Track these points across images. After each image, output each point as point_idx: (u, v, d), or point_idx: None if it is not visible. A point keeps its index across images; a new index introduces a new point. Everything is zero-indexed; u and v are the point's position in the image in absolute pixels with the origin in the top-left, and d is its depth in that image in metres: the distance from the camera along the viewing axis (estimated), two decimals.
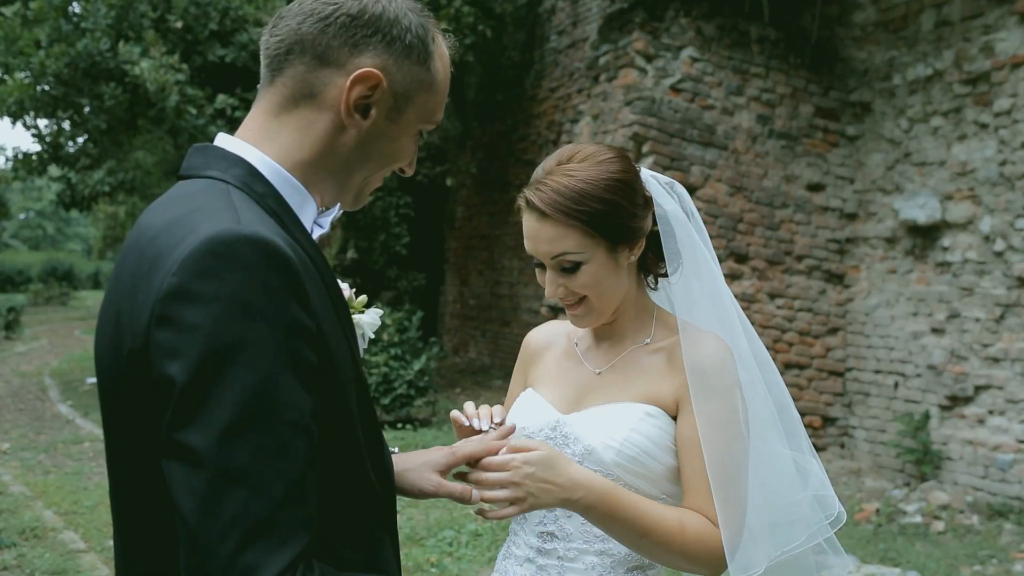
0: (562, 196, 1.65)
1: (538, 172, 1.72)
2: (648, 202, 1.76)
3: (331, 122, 1.29)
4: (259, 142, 1.30)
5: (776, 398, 1.78)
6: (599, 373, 1.81)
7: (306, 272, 1.16)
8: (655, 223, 1.77)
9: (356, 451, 1.25)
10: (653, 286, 1.86)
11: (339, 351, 1.22)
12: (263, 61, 1.33)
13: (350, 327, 1.34)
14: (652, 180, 1.80)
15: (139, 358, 1.11)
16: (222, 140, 1.32)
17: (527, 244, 1.73)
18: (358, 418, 1.25)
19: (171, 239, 1.12)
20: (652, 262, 1.81)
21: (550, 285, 1.73)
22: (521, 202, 1.73)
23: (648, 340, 1.79)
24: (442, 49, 1.37)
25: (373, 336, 1.66)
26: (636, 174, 1.74)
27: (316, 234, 1.33)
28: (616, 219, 1.68)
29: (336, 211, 1.37)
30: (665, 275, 1.83)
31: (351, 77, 1.26)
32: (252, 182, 1.25)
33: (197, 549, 1.04)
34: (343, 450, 1.22)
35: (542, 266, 1.74)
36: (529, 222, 1.71)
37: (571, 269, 1.69)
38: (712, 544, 1.61)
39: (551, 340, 1.95)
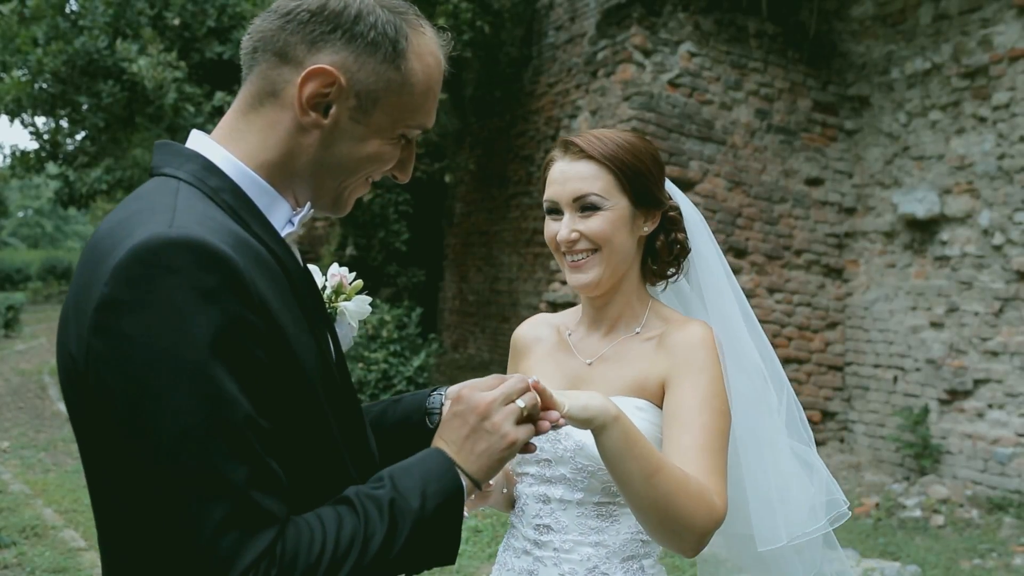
0: (603, 143, 1.75)
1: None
2: (667, 193, 1.84)
3: (292, 121, 1.27)
4: (227, 141, 1.29)
5: (784, 395, 1.82)
6: (589, 364, 1.83)
7: (259, 268, 1.15)
8: (671, 211, 1.84)
9: (328, 443, 1.25)
10: (652, 283, 1.89)
11: (302, 346, 1.20)
12: (241, 60, 1.32)
13: (320, 321, 1.33)
14: (675, 188, 1.89)
15: (83, 364, 1.11)
16: (193, 138, 1.31)
17: (550, 190, 1.79)
18: (329, 411, 1.24)
19: (110, 243, 1.13)
20: (663, 246, 1.84)
21: (564, 228, 1.76)
22: (557, 150, 1.80)
23: (639, 329, 1.82)
24: (424, 48, 1.31)
25: (357, 325, 1.63)
26: (664, 167, 1.84)
27: (286, 232, 1.30)
28: (645, 180, 1.76)
29: (306, 211, 1.34)
30: (669, 276, 1.88)
31: (302, 74, 1.24)
32: (206, 177, 1.24)
33: (180, 548, 1.07)
34: (313, 442, 1.22)
35: (556, 212, 1.79)
36: (561, 166, 1.78)
37: (591, 212, 1.74)
38: (709, 503, 1.54)
39: (539, 334, 1.97)
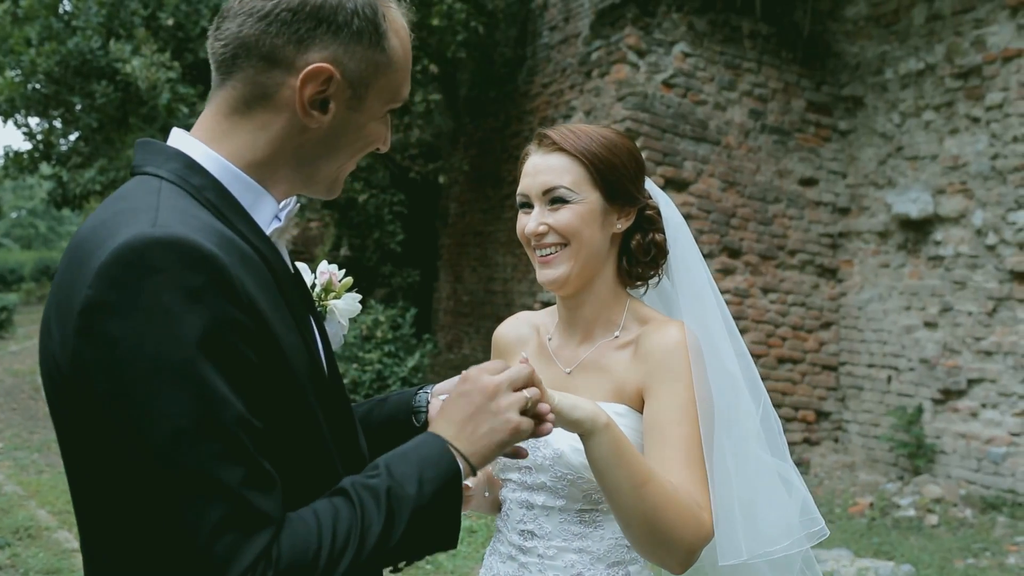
0: (577, 136, 1.72)
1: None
2: (646, 192, 1.81)
3: (289, 122, 1.25)
4: (211, 141, 1.26)
5: (760, 406, 1.76)
6: (569, 372, 1.79)
7: (245, 266, 1.14)
8: (648, 209, 1.80)
9: (318, 443, 1.23)
10: (630, 285, 1.85)
11: (291, 345, 1.19)
12: (211, 63, 1.29)
13: (307, 320, 1.31)
14: (656, 188, 1.85)
15: (68, 368, 1.09)
16: (174, 136, 1.29)
17: (523, 183, 1.76)
18: (319, 410, 1.23)
19: (92, 245, 1.11)
20: (639, 246, 1.80)
21: (532, 221, 1.73)
22: (532, 143, 1.77)
23: (617, 332, 1.78)
24: (397, 23, 1.31)
25: (347, 323, 1.61)
26: (644, 165, 1.81)
27: (272, 227, 1.29)
28: (618, 174, 1.73)
29: (293, 205, 1.32)
30: (649, 278, 1.84)
31: (300, 76, 1.22)
32: (188, 175, 1.22)
33: (176, 551, 1.05)
34: (302, 442, 1.21)
35: (527, 205, 1.76)
36: (535, 159, 1.75)
37: (560, 205, 1.71)
38: (697, 518, 1.52)
39: (521, 335, 1.94)
